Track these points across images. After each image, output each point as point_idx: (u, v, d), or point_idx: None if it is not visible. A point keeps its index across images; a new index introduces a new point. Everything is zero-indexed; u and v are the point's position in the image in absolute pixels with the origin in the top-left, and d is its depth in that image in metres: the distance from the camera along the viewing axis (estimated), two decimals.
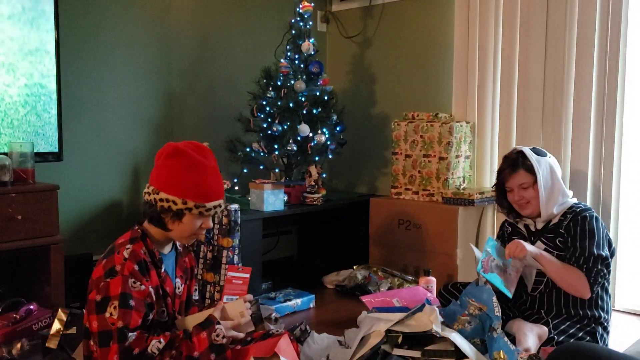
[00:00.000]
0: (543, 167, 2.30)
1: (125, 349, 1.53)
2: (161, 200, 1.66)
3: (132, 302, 1.57)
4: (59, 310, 2.11)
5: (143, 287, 1.60)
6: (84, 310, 1.67)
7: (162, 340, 1.58)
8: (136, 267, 1.61)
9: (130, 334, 1.55)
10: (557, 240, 2.28)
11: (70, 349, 2.02)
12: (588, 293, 2.17)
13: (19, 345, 2.06)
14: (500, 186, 2.41)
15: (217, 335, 1.61)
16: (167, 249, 1.79)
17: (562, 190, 2.32)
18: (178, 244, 1.85)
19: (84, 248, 2.94)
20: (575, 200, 2.37)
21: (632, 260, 2.93)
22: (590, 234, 2.20)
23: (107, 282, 1.58)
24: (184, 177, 1.67)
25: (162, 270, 1.72)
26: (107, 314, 1.55)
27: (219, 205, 1.74)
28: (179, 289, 1.81)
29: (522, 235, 2.41)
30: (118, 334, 1.53)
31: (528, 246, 2.18)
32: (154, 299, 1.65)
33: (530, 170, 2.30)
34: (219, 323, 1.64)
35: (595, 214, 2.27)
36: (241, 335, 1.71)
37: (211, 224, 1.78)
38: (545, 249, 2.27)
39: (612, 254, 2.25)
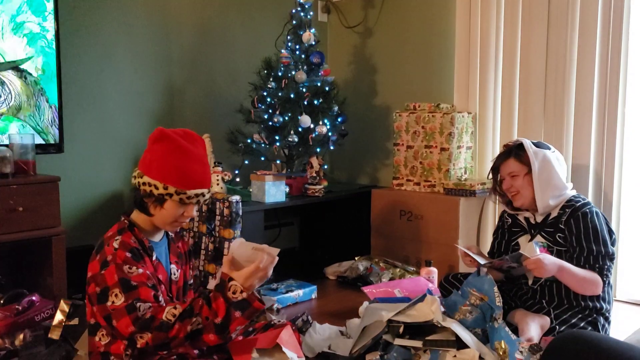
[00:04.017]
0: (540, 159, 2.28)
1: (137, 318, 1.51)
2: (144, 184, 1.65)
3: (134, 283, 1.56)
4: (61, 301, 2.12)
5: (140, 270, 1.59)
6: (86, 302, 1.67)
7: (177, 306, 1.54)
8: (129, 255, 1.60)
9: (139, 304, 1.52)
10: (557, 235, 2.27)
11: (72, 339, 2.03)
12: (600, 291, 2.18)
13: (21, 336, 2.07)
14: (496, 175, 2.41)
15: (234, 293, 1.52)
16: (157, 236, 1.77)
17: (560, 184, 2.29)
18: None
19: (86, 239, 2.94)
20: (574, 192, 2.34)
21: (634, 251, 2.93)
22: (594, 231, 2.19)
23: (103, 274, 1.58)
24: (165, 161, 1.64)
25: (154, 258, 1.71)
26: (109, 303, 1.55)
27: (202, 195, 1.69)
28: (174, 275, 1.81)
29: (522, 227, 2.40)
30: (127, 308, 1.52)
31: (548, 267, 2.07)
32: (155, 280, 1.64)
33: (522, 160, 2.29)
34: (231, 279, 1.55)
35: (595, 209, 2.25)
36: (272, 253, 1.57)
37: (194, 213, 1.74)
38: (547, 244, 2.27)
39: (614, 243, 2.25)
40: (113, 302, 1.54)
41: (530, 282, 2.33)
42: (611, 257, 2.20)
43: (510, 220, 2.46)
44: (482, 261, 2.26)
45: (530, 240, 2.33)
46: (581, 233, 2.20)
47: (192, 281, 1.95)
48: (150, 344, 1.51)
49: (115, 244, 1.62)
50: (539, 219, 2.34)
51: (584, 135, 2.88)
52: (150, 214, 1.69)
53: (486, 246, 3.14)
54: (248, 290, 1.54)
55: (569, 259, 2.20)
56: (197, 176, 1.68)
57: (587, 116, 2.86)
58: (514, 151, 2.33)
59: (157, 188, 1.64)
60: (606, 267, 2.17)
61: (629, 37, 2.77)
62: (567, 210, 2.26)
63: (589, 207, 2.25)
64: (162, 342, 1.51)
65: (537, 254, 2.12)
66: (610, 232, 2.25)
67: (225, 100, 3.56)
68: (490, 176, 2.46)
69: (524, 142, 2.32)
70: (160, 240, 1.79)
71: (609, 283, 2.25)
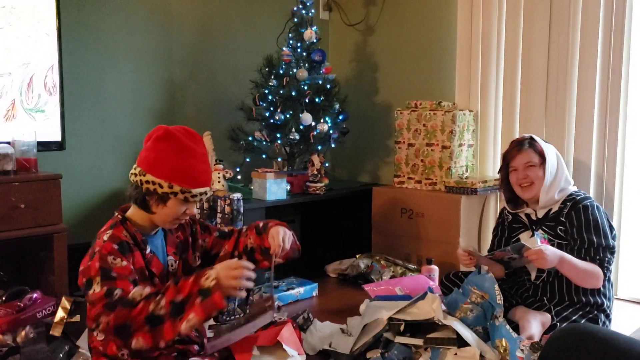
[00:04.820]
0: (551, 152, 2.34)
1: (110, 302, 1.53)
2: (147, 182, 1.66)
3: (114, 274, 1.56)
4: (63, 298, 2.13)
5: (124, 263, 1.60)
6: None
7: (147, 288, 1.56)
8: (115, 247, 1.61)
9: (116, 291, 1.54)
10: (558, 229, 2.28)
11: (74, 336, 2.04)
12: (601, 283, 2.18)
13: (23, 333, 2.08)
14: (506, 170, 2.42)
15: (207, 279, 1.53)
16: (152, 230, 1.78)
17: (566, 177, 2.35)
18: None
19: (87, 237, 2.91)
20: (575, 188, 2.38)
21: (635, 249, 2.93)
22: (595, 224, 2.20)
23: (88, 265, 1.60)
24: (172, 160, 1.66)
25: (147, 251, 1.72)
26: (91, 291, 1.56)
27: (205, 193, 1.72)
28: (172, 266, 1.81)
29: (523, 224, 2.41)
30: (105, 293, 1.53)
31: (549, 257, 2.08)
32: (137, 277, 1.64)
33: (537, 151, 2.33)
34: (212, 268, 1.56)
35: (595, 203, 2.28)
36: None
37: (195, 211, 1.77)
38: (547, 236, 2.28)
39: (614, 237, 2.26)
40: (94, 290, 1.55)
41: (532, 276, 2.33)
42: (612, 251, 2.21)
43: (510, 217, 2.47)
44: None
45: (532, 236, 2.34)
46: (582, 225, 2.21)
47: (199, 263, 1.93)
48: (112, 324, 1.51)
49: (105, 237, 1.64)
50: (540, 214, 2.36)
51: (586, 133, 2.87)
52: (151, 211, 1.70)
53: (487, 244, 3.14)
54: (220, 280, 1.53)
55: (569, 251, 2.21)
56: (202, 175, 1.71)
57: (589, 114, 2.86)
58: (528, 142, 2.36)
59: (161, 187, 1.65)
60: (607, 259, 2.18)
61: (631, 34, 2.76)
62: (568, 204, 2.29)
63: (589, 200, 2.27)
64: (123, 321, 1.51)
65: (538, 245, 2.13)
66: (611, 226, 2.27)
67: (226, 97, 3.56)
68: (499, 174, 2.47)
69: (535, 137, 2.38)
70: (156, 234, 1.79)
71: (609, 279, 2.26)
